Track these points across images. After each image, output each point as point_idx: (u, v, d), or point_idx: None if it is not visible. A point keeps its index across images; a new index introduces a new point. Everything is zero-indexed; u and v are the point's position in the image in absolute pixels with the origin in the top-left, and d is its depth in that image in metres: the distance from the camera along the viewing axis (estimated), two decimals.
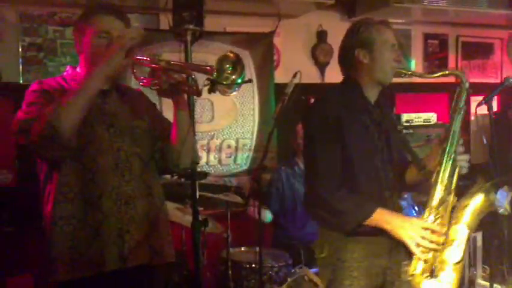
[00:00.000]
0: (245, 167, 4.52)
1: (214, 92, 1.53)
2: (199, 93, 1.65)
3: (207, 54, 4.26)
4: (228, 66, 1.57)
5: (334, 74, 4.94)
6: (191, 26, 2.82)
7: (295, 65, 4.71)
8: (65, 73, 2.03)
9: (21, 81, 4.01)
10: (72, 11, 4.10)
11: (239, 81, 1.58)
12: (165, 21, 4.27)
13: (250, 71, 4.53)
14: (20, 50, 3.99)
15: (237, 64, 1.57)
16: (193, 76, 1.63)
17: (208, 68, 1.53)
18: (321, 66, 4.85)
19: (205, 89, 1.65)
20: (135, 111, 2.00)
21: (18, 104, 3.83)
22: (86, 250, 1.80)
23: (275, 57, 4.68)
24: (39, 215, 3.93)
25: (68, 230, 1.82)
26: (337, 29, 4.92)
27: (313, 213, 2.15)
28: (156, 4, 4.26)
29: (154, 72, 1.80)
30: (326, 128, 2.05)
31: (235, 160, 4.53)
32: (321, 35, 4.80)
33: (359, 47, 2.14)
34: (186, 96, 1.94)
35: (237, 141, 4.54)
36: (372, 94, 2.18)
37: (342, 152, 2.04)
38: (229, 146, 4.51)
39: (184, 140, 1.92)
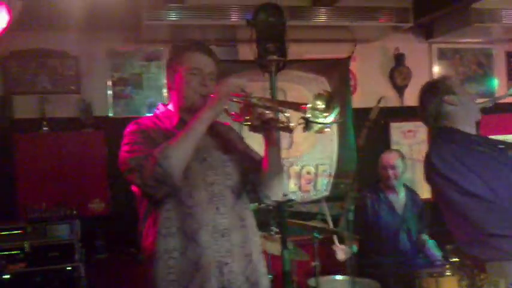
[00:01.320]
0: (325, 193, 4.51)
1: (309, 130, 1.56)
2: (291, 131, 1.69)
3: (284, 83, 4.33)
4: (321, 103, 1.60)
5: (412, 97, 4.91)
6: (275, 57, 2.88)
7: (372, 89, 4.73)
8: (157, 111, 2.13)
9: (110, 115, 4.24)
10: (156, 46, 4.32)
11: (332, 117, 1.59)
12: (244, 52, 4.43)
13: None
14: (109, 84, 4.23)
15: (331, 102, 1.60)
16: (286, 113, 1.68)
17: (302, 106, 1.57)
18: (399, 90, 4.80)
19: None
20: (226, 144, 2.07)
21: (109, 137, 4.11)
22: (188, 283, 1.86)
23: (352, 82, 4.68)
24: (131, 243, 4.14)
25: (171, 263, 1.89)
26: (414, 51, 4.88)
27: (482, 252, 2.09)
28: (235, 36, 4.40)
29: (246, 108, 1.87)
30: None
31: (315, 186, 4.54)
32: (399, 58, 4.76)
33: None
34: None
35: (316, 167, 4.55)
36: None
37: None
38: (308, 173, 4.53)
39: (276, 174, 1.97)
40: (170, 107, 2.10)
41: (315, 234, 3.22)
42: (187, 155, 1.82)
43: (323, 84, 4.54)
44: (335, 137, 4.58)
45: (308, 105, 1.57)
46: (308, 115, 1.57)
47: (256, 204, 2.72)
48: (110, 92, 4.23)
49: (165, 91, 4.34)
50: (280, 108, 1.76)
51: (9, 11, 2.34)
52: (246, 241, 1.98)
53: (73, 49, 4.15)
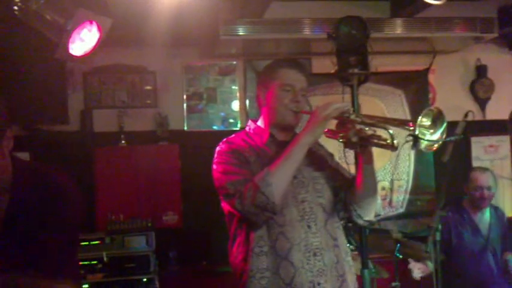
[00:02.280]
0: (401, 210, 4.36)
1: (417, 148, 1.49)
2: (396, 148, 1.62)
3: (359, 95, 4.23)
4: (427, 120, 1.52)
5: (496, 110, 4.75)
6: (357, 70, 2.82)
7: (452, 103, 4.55)
8: (247, 128, 2.11)
9: (185, 128, 4.29)
10: (230, 61, 4.35)
11: (439, 133, 1.51)
12: (317, 65, 4.38)
13: (404, 110, 4.42)
14: (185, 98, 4.29)
15: (438, 118, 1.52)
16: (390, 130, 1.61)
17: (409, 123, 1.50)
18: (481, 103, 4.60)
19: None
20: (316, 161, 2.02)
21: (183, 150, 4.14)
22: None
23: (430, 95, 4.52)
24: (202, 256, 4.16)
25: (264, 282, 1.86)
26: (497, 62, 4.67)
27: None
28: (309, 49, 4.36)
29: (343, 125, 1.82)
30: None
31: (390, 203, 4.40)
32: (481, 70, 4.56)
33: None
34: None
35: (391, 183, 4.41)
36: None
37: None
38: (383, 188, 4.40)
39: (371, 194, 1.90)
40: (260, 123, 2.08)
41: (396, 254, 3.10)
42: (288, 181, 1.81)
43: (400, 98, 4.41)
44: (412, 152, 4.44)
45: (415, 122, 1.49)
46: (416, 132, 1.49)
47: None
48: (185, 106, 4.29)
49: (237, 105, 4.35)
50: (382, 125, 1.69)
51: (100, 29, 2.39)
52: (338, 261, 1.91)
53: (151, 64, 4.25)
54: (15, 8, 2.29)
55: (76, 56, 2.42)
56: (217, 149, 1.99)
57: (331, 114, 1.81)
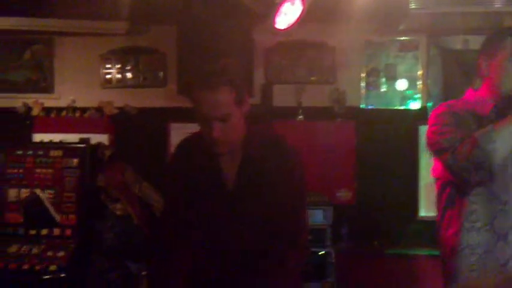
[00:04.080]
0: None
1: None
2: None
3: None
4: None
5: None
6: None
7: None
8: (466, 94, 2.03)
9: (362, 105, 4.24)
10: (413, 36, 4.19)
11: None
12: None
13: None
14: (363, 75, 4.23)
15: None
16: None
17: None
18: None
19: None
20: None
21: (359, 128, 4.11)
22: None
23: None
24: (373, 234, 4.12)
25: (473, 259, 1.82)
26: None
27: None
28: (500, 23, 4.03)
29: None
30: None
31: None
32: None
33: None
34: None
35: None
36: None
37: None
38: None
39: None
40: (481, 93, 1.98)
41: None
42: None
43: None
44: None
45: None
46: None
47: None
48: (363, 83, 4.23)
49: (419, 83, 4.19)
50: None
51: (303, 2, 2.44)
52: None
53: (330, 40, 4.25)
54: None
55: (280, 30, 2.49)
56: (434, 112, 1.96)
57: None
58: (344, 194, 4.17)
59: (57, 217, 2.79)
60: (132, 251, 3.78)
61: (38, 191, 3.28)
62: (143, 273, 3.70)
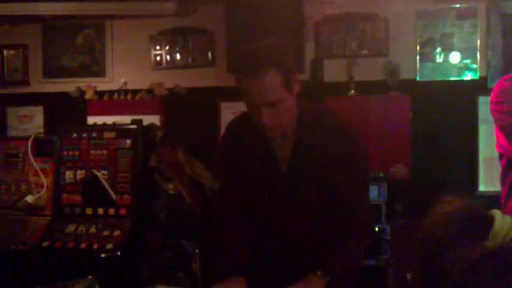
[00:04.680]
0: None
1: None
2: None
3: None
4: None
5: None
6: None
7: None
8: None
9: (417, 78, 4.07)
10: (471, 3, 3.97)
11: None
12: None
13: None
14: (418, 46, 4.06)
15: None
16: None
17: None
18: None
19: None
20: None
21: (415, 101, 3.96)
22: None
23: None
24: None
25: None
26: None
27: None
28: None
29: None
30: None
31: None
32: None
33: None
34: None
35: None
36: None
37: None
38: None
39: None
40: None
41: None
42: None
43: None
44: None
45: None
46: None
47: None
48: (417, 55, 4.06)
49: (478, 52, 3.98)
50: None
51: None
52: None
53: (382, 10, 4.09)
54: None
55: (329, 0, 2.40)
56: (497, 87, 1.82)
57: None
58: (399, 170, 4.03)
59: (114, 196, 2.84)
60: (185, 229, 3.82)
61: (95, 171, 3.35)
62: (196, 251, 3.73)
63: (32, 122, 4.54)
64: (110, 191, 2.77)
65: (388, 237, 3.53)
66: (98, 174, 2.73)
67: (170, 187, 3.84)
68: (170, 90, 4.33)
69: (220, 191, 2.08)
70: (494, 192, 3.96)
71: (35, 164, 3.88)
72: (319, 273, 1.76)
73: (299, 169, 1.86)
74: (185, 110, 4.32)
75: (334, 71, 4.17)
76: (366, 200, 1.97)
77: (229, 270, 1.89)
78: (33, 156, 3.88)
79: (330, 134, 1.83)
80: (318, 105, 2.06)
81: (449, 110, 4.02)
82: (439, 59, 4.02)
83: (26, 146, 3.90)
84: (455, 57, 4.00)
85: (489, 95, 3.87)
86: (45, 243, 3.60)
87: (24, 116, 4.56)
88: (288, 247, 1.93)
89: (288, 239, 1.93)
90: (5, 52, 4.55)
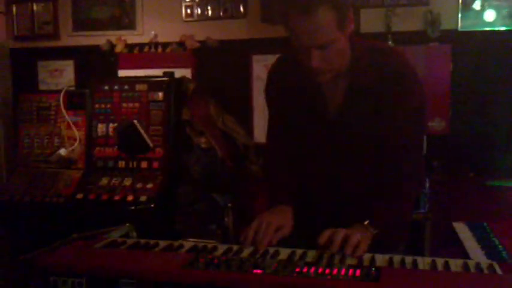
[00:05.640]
0: None
1: None
2: None
3: None
4: None
5: None
6: None
7: None
8: None
9: (459, 28, 3.88)
10: None
11: None
12: None
13: None
14: None
15: None
16: None
17: None
18: None
19: None
20: None
21: (455, 52, 3.80)
22: None
23: None
24: (470, 165, 3.87)
25: None
26: None
27: None
28: None
29: None
30: None
31: None
32: None
33: None
34: None
35: None
36: None
37: None
38: None
39: None
40: None
41: None
42: None
43: None
44: None
45: None
46: None
47: None
48: (459, 3, 3.86)
49: None
50: None
51: None
52: None
53: None
54: None
55: None
56: None
57: None
58: (437, 124, 3.90)
59: (151, 144, 2.81)
60: (218, 183, 3.79)
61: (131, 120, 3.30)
62: (229, 204, 3.71)
63: (62, 76, 4.51)
64: (147, 139, 2.74)
65: (427, 191, 3.43)
66: (135, 121, 2.68)
67: (202, 141, 3.80)
68: (202, 42, 4.24)
69: (268, 126, 2.00)
70: None
71: (67, 117, 3.87)
72: (366, 224, 1.69)
73: (351, 114, 1.77)
74: (217, 63, 4.23)
75: (371, 21, 4.01)
76: (418, 149, 1.88)
77: (277, 195, 1.84)
78: (65, 109, 3.88)
79: (387, 78, 1.71)
80: (376, 44, 1.91)
81: (492, 61, 3.84)
82: (483, 7, 3.82)
83: (58, 100, 3.89)
84: (500, 6, 3.79)
85: None
86: (79, 195, 3.62)
87: (55, 70, 4.53)
88: (336, 192, 1.86)
89: (336, 184, 1.86)
90: (34, 6, 4.49)
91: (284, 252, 1.59)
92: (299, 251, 1.59)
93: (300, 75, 1.76)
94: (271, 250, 1.61)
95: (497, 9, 3.80)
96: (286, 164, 1.90)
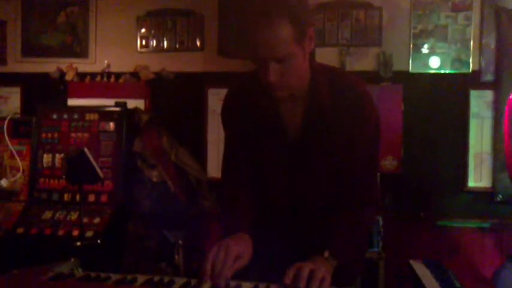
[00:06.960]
0: None
1: None
2: None
3: None
4: None
5: None
6: None
7: None
8: None
9: (410, 69, 4.00)
10: None
11: None
12: None
13: None
14: (412, 37, 3.98)
15: None
16: None
17: None
18: None
19: None
20: None
21: (407, 93, 3.89)
22: None
23: None
24: (419, 205, 3.93)
25: None
26: None
27: None
28: None
29: None
30: None
31: None
32: None
33: None
34: None
35: None
36: None
37: None
38: None
39: None
40: None
41: None
42: None
43: None
44: None
45: None
46: None
47: None
48: (411, 45, 3.99)
49: (471, 46, 3.92)
50: None
51: None
52: None
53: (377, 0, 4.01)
54: None
55: None
56: None
57: None
58: (389, 163, 3.95)
59: (101, 174, 2.68)
60: (169, 219, 3.67)
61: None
62: (180, 241, 3.58)
63: (8, 103, 4.32)
64: (97, 168, 2.60)
65: (381, 230, 3.43)
66: (85, 149, 2.55)
67: (154, 174, 3.69)
68: (156, 74, 4.17)
69: (225, 149, 1.93)
70: (483, 188, 3.93)
71: (10, 146, 3.68)
72: (327, 256, 1.64)
73: (311, 138, 1.74)
74: (171, 95, 4.17)
75: (325, 59, 4.04)
76: (374, 172, 1.86)
77: (233, 223, 1.75)
78: (9, 138, 3.69)
79: (345, 99, 1.70)
80: (334, 68, 1.90)
81: (441, 103, 3.97)
82: (433, 50, 3.96)
83: (2, 127, 3.70)
84: (448, 50, 3.94)
85: (481, 89, 3.88)
86: (20, 229, 3.41)
87: (0, 97, 4.33)
88: (294, 217, 1.81)
89: (297, 206, 1.81)
90: None
91: (246, 287, 1.50)
92: (262, 286, 1.51)
93: (258, 95, 1.73)
94: (232, 284, 1.53)
95: (447, 52, 3.95)
96: (243, 188, 1.83)
